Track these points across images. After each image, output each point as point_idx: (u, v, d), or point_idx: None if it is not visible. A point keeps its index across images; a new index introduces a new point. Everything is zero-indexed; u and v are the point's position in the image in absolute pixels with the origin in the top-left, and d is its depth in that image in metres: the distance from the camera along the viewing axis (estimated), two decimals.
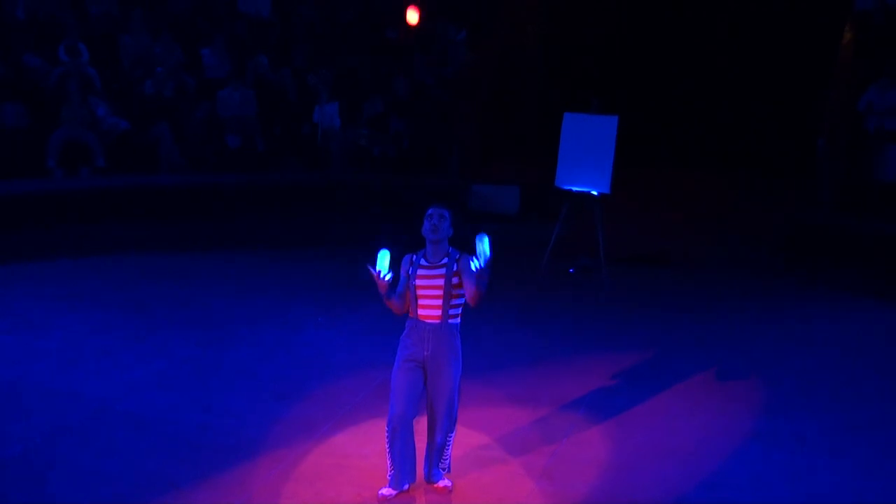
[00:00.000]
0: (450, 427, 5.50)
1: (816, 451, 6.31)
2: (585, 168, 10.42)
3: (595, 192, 10.39)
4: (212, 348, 7.98)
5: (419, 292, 5.38)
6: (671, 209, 14.04)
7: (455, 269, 5.37)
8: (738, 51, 17.06)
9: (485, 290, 5.23)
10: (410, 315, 5.45)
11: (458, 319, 5.47)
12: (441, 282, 5.36)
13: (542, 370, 7.71)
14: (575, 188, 10.53)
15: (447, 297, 5.38)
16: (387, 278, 5.25)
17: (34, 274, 10.11)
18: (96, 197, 12.28)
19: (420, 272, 5.39)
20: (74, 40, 13.53)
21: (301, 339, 8.28)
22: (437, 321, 5.38)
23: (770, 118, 16.51)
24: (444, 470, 5.57)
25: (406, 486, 5.48)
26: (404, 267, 5.45)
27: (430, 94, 15.21)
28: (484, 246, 5.11)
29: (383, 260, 5.24)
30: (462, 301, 5.44)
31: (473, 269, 5.14)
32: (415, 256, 5.47)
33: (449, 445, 5.54)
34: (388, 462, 5.43)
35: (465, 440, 6.25)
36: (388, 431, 5.41)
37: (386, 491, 5.45)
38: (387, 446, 5.42)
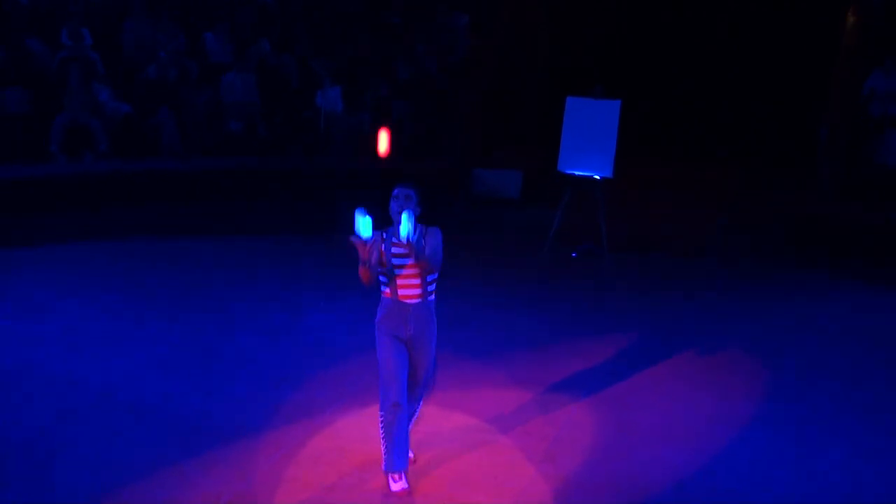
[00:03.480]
0: (425, 395, 5.70)
1: (818, 436, 6.32)
2: (588, 152, 10.43)
3: (597, 176, 10.39)
4: (214, 334, 7.99)
5: (396, 272, 5.33)
6: (674, 202, 14.01)
7: (424, 245, 5.31)
8: (738, 50, 17.02)
9: (427, 260, 5.24)
10: (388, 296, 5.39)
11: (434, 296, 5.45)
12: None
13: (543, 354, 7.72)
14: (577, 172, 10.53)
15: (424, 274, 5.36)
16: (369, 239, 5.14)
17: (36, 259, 10.11)
18: (99, 181, 12.28)
19: (394, 250, 5.33)
20: (77, 25, 13.50)
21: (303, 325, 8.28)
22: (418, 300, 5.36)
23: (770, 117, 16.49)
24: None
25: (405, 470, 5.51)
26: (376, 242, 5.33)
27: (432, 80, 15.17)
28: (403, 226, 5.08)
29: (366, 225, 5.07)
30: (436, 276, 5.41)
31: (403, 237, 5.11)
32: (385, 234, 5.38)
33: (416, 414, 5.69)
34: (385, 447, 5.31)
35: (466, 424, 6.28)
36: (384, 417, 5.31)
37: (399, 485, 5.31)
38: (382, 432, 5.31)
